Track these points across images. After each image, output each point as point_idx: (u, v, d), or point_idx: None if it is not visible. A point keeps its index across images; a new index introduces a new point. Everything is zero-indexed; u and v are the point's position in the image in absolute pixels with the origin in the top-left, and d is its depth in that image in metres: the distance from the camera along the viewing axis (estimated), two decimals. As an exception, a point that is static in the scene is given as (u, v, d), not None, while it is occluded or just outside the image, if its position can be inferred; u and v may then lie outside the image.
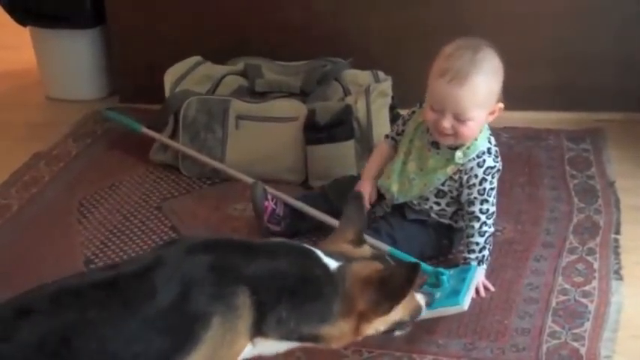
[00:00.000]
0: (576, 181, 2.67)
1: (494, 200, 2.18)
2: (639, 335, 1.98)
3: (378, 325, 1.67)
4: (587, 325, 1.99)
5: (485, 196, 2.16)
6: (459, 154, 2.15)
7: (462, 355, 1.92)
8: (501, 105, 2.15)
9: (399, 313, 1.69)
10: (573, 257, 2.27)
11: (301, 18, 3.19)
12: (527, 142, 2.96)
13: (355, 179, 2.49)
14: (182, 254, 1.57)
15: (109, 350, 1.46)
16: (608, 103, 3.12)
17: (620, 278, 2.17)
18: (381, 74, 2.87)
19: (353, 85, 2.84)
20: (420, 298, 1.81)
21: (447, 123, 2.10)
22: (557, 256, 2.28)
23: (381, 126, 2.64)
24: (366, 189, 2.31)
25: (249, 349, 1.61)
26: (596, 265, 2.22)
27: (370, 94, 2.70)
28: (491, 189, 2.17)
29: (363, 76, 2.88)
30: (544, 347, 1.92)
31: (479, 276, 2.14)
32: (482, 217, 2.16)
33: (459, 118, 2.09)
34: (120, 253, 2.36)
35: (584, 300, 2.08)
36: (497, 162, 2.18)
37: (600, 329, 1.98)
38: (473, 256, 2.16)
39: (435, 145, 2.20)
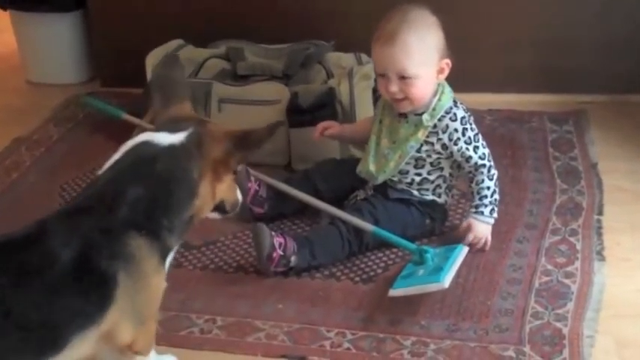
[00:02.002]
0: (559, 163, 2.68)
1: (484, 142, 2.23)
2: (621, 315, 1.99)
3: (219, 193, 1.69)
4: (570, 305, 2.00)
5: (474, 143, 2.20)
6: (425, 116, 2.19)
7: (445, 336, 1.92)
8: (448, 61, 2.18)
9: (225, 192, 1.70)
10: (556, 238, 2.27)
11: (284, 0, 3.17)
12: (510, 125, 2.97)
13: (338, 162, 2.50)
14: (65, 221, 1.55)
15: (14, 314, 1.44)
16: (590, 85, 3.13)
17: (603, 259, 2.18)
18: (364, 57, 2.86)
19: (336, 68, 2.83)
20: (239, 194, 1.80)
21: (394, 87, 2.15)
22: (540, 237, 2.28)
23: (364, 108, 2.63)
24: (333, 123, 2.47)
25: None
26: (578, 246, 2.23)
27: (353, 77, 2.69)
28: (476, 134, 2.22)
29: (346, 59, 2.88)
30: (527, 328, 1.93)
31: (487, 230, 2.20)
32: (486, 162, 2.21)
33: (403, 77, 2.13)
34: (102, 237, 2.35)
35: (566, 280, 2.09)
36: (467, 112, 2.23)
37: (583, 309, 1.98)
38: (486, 201, 2.20)
39: (404, 115, 2.23)
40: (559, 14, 3.07)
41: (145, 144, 1.62)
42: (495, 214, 2.22)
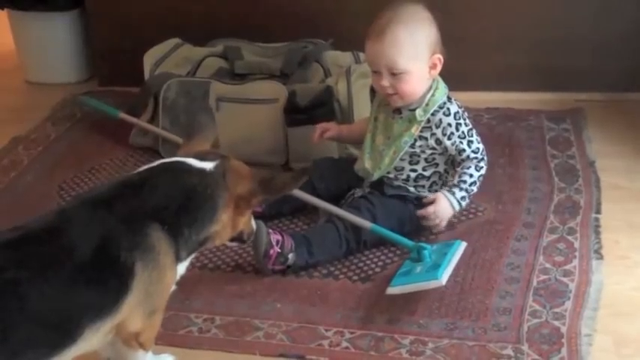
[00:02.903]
0: (557, 161, 2.68)
1: (479, 138, 2.23)
2: (619, 313, 1.99)
3: (240, 226, 1.77)
4: (568, 303, 2.00)
5: (468, 137, 2.21)
6: (419, 111, 2.20)
7: (444, 335, 1.92)
8: (440, 57, 2.18)
9: (243, 223, 1.79)
10: (554, 237, 2.27)
11: (281, -1, 3.18)
12: (508, 123, 2.97)
13: (335, 161, 2.50)
14: (86, 210, 1.59)
15: (31, 308, 1.46)
16: (588, 83, 3.13)
17: (601, 257, 2.18)
18: (361, 55, 2.86)
19: (334, 67, 2.83)
20: (254, 224, 1.89)
21: (385, 82, 2.17)
22: (538, 235, 2.28)
23: (362, 107, 2.63)
24: (331, 125, 2.47)
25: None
26: (576, 245, 2.23)
27: (351, 76, 2.69)
28: (470, 129, 2.22)
29: (344, 58, 2.88)
30: (525, 326, 1.93)
31: (447, 212, 2.19)
32: (478, 156, 2.21)
33: (393, 73, 2.15)
34: (100, 237, 2.35)
35: (564, 279, 2.09)
36: (461, 107, 2.23)
37: (581, 308, 1.98)
38: (463, 185, 2.20)
39: (398, 111, 2.24)
40: (557, 13, 3.08)
41: (180, 162, 1.69)
42: (464, 204, 2.21)
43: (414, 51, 2.14)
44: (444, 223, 2.21)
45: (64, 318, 1.50)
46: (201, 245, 1.72)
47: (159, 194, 1.62)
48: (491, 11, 3.09)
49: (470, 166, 2.21)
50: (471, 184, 2.20)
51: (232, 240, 1.81)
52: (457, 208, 2.21)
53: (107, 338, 1.61)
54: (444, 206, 2.19)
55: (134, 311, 1.59)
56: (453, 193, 2.20)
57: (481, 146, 2.23)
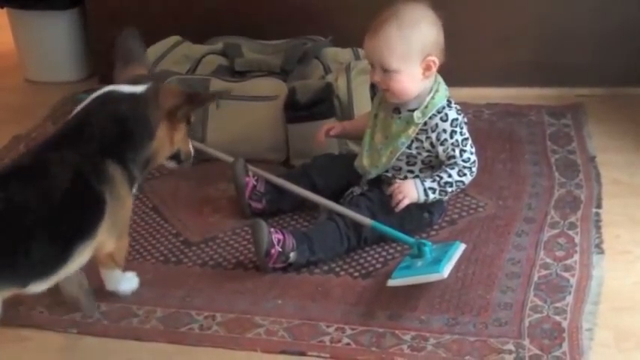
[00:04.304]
0: (557, 156, 2.68)
1: (473, 150, 2.21)
2: (620, 308, 1.99)
3: (176, 142, 1.95)
4: (569, 298, 2.00)
5: (461, 147, 2.19)
6: (417, 114, 2.19)
7: (445, 330, 1.92)
8: (434, 59, 2.16)
9: (180, 141, 1.98)
10: (555, 232, 2.27)
11: (281, -4, 3.18)
12: (509, 119, 2.97)
13: (335, 157, 2.50)
14: (53, 152, 1.79)
15: (39, 232, 1.69)
16: (588, 78, 3.13)
17: (602, 252, 2.18)
18: (361, 52, 2.86)
19: (333, 63, 2.83)
20: (191, 148, 2.05)
21: (377, 76, 2.19)
22: (538, 230, 2.28)
23: (362, 103, 2.63)
24: (334, 124, 2.50)
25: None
26: (577, 239, 2.23)
27: (351, 72, 2.69)
28: (465, 139, 2.20)
29: (344, 54, 2.88)
30: (526, 321, 1.93)
31: (411, 193, 2.18)
32: (466, 164, 2.19)
33: (385, 70, 2.16)
34: (101, 235, 2.35)
35: (565, 274, 2.09)
36: (460, 114, 2.21)
37: (582, 302, 1.98)
38: (436, 179, 2.19)
39: (397, 110, 2.23)
40: (556, 8, 3.08)
41: (111, 91, 1.88)
42: (431, 196, 2.19)
43: (406, 51, 2.13)
44: (406, 201, 2.18)
45: (61, 238, 1.74)
46: (149, 164, 1.92)
47: (99, 132, 1.81)
48: (490, 7, 3.09)
49: (453, 168, 2.19)
50: (445, 184, 2.19)
51: (171, 159, 1.99)
52: (422, 195, 2.19)
53: (85, 260, 1.84)
54: (408, 186, 2.19)
55: (107, 234, 1.84)
56: (423, 181, 2.19)
57: (473, 157, 2.21)
